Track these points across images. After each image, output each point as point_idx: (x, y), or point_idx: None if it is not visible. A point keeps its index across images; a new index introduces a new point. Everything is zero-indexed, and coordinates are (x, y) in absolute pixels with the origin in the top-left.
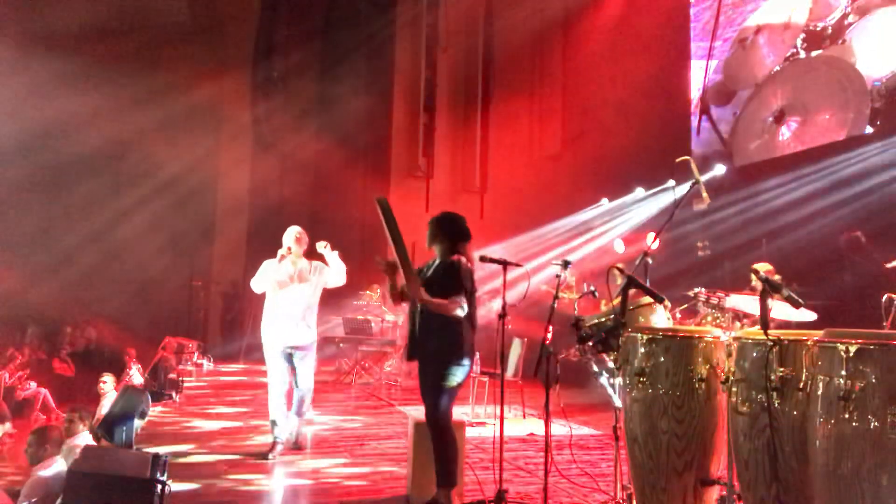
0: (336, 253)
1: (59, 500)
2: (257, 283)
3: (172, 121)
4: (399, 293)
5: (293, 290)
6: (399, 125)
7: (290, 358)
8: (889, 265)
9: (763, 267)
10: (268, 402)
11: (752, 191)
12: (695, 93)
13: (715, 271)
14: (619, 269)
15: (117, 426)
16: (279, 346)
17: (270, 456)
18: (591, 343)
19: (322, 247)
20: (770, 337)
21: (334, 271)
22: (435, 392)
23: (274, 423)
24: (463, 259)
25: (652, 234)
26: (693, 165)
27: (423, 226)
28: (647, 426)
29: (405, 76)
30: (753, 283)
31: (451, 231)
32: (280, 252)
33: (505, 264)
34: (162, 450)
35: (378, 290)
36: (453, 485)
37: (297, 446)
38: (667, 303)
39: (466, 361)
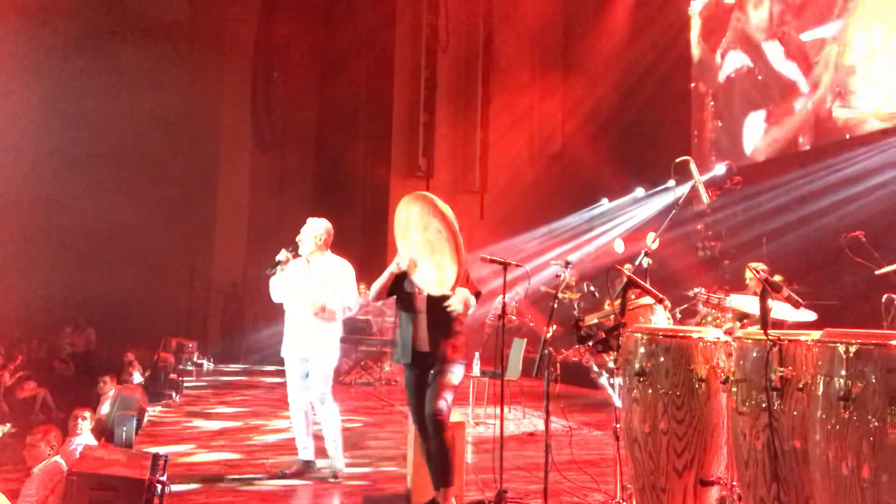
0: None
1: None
2: (273, 291)
3: (172, 121)
4: (390, 288)
5: (305, 292)
6: (399, 125)
7: (304, 370)
8: (879, 272)
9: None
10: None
11: (752, 191)
12: (695, 93)
13: (715, 271)
14: (619, 268)
15: (117, 426)
16: (293, 356)
17: (280, 472)
18: (591, 343)
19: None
20: (770, 337)
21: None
22: (440, 390)
23: (296, 440)
24: None
25: (652, 234)
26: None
27: None
28: (647, 426)
29: (405, 76)
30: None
31: None
32: (277, 258)
33: (505, 265)
34: (162, 450)
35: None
36: (451, 485)
37: (335, 477)
38: (667, 303)
39: (465, 360)
